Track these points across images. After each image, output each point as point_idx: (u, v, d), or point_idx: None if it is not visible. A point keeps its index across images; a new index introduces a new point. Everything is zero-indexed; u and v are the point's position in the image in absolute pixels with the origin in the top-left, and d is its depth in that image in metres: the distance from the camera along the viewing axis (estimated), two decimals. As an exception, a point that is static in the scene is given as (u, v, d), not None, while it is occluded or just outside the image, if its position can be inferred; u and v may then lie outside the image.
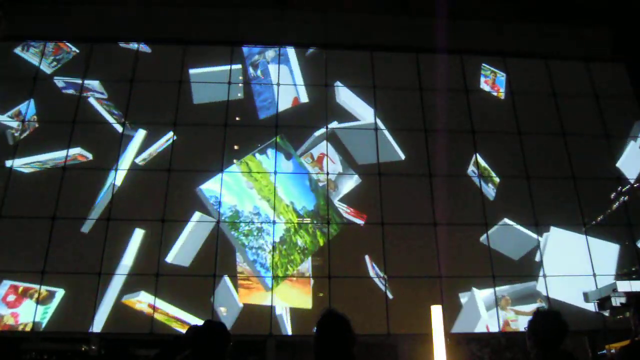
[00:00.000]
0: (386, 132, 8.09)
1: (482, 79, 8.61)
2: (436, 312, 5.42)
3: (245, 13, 8.60)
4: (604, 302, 6.69)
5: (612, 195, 7.85)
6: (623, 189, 7.89)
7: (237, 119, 7.94)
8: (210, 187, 7.72)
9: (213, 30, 8.48)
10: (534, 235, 7.53)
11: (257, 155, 8.01)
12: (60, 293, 6.79)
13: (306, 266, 7.26)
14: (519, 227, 7.57)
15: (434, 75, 8.41)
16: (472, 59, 8.69)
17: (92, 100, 7.96)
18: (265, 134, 7.94)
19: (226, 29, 8.50)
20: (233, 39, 8.45)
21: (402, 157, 7.95)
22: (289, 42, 8.51)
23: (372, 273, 7.15)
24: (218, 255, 7.17)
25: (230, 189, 7.80)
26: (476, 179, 7.81)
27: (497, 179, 7.85)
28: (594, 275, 7.28)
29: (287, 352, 7.05)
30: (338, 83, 8.28)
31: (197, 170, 7.59)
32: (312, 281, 7.14)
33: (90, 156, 7.61)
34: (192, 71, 8.25)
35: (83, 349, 6.73)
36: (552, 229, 7.60)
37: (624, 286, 5.88)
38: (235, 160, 7.81)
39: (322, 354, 2.53)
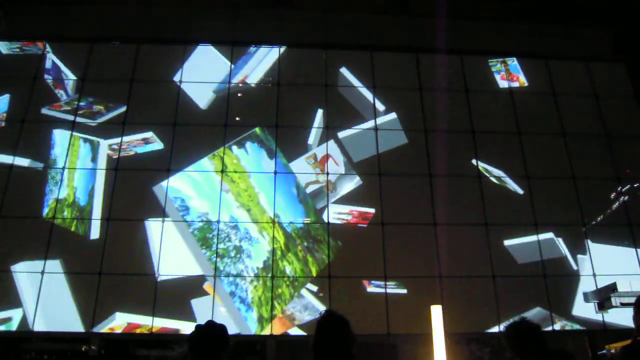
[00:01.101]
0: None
1: (497, 77, 8.60)
2: (436, 312, 5.43)
3: (245, 13, 8.60)
4: (604, 302, 6.72)
5: (612, 195, 7.86)
6: (623, 189, 7.90)
7: (237, 119, 7.91)
8: (174, 186, 6.90)
9: (212, 29, 8.48)
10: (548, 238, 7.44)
11: (234, 148, 7.15)
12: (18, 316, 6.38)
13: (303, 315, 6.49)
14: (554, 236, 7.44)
15: (437, 75, 8.40)
16: (480, 61, 8.68)
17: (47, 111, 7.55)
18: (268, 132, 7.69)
19: (226, 29, 8.50)
20: (232, 39, 8.44)
21: (406, 140, 7.86)
22: (289, 42, 8.51)
23: (370, 288, 6.99)
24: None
25: (200, 191, 6.84)
26: (505, 179, 7.79)
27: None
28: (594, 275, 7.29)
29: (287, 352, 7.06)
30: (340, 80, 8.28)
31: (194, 170, 7.55)
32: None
33: (40, 166, 7.27)
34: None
35: (83, 349, 6.73)
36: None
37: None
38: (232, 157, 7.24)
39: (321, 354, 2.53)
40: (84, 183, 7.29)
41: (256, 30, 8.56)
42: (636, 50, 8.76)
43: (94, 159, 7.45)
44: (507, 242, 7.39)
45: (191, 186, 7.07)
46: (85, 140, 7.54)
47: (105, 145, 7.51)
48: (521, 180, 7.80)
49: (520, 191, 7.71)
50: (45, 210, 7.06)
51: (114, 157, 7.40)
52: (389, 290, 6.97)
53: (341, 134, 7.85)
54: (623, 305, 6.37)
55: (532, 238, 7.43)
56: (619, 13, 8.81)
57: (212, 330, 2.90)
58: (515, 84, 8.55)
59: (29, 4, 8.41)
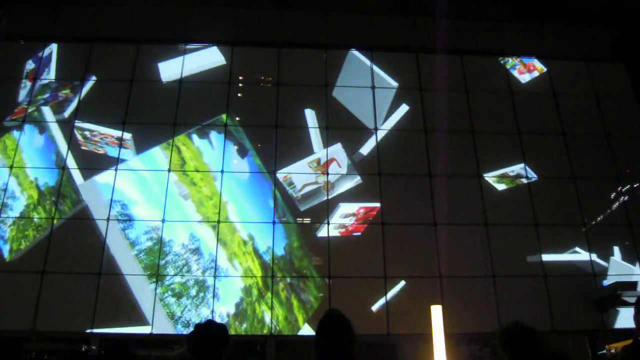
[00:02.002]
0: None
1: (515, 73, 8.60)
2: (436, 312, 5.42)
3: (245, 13, 8.59)
4: (604, 301, 6.71)
5: (613, 195, 7.86)
6: (623, 189, 7.90)
7: (237, 119, 7.87)
8: (110, 181, 5.60)
9: (212, 29, 8.47)
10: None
11: (195, 137, 5.71)
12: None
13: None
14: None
15: (437, 75, 8.40)
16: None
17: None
18: (261, 133, 7.40)
19: (225, 29, 8.49)
20: (232, 39, 8.43)
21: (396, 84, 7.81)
22: (289, 42, 8.50)
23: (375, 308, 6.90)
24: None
25: (148, 194, 5.23)
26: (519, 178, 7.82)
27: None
28: (594, 275, 7.28)
29: (287, 352, 7.04)
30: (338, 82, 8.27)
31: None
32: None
33: None
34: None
35: (83, 349, 6.71)
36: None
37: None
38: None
39: (322, 354, 2.53)
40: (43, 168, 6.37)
41: (256, 30, 8.55)
42: (635, 51, 8.76)
43: (43, 131, 6.70)
44: (546, 258, 7.28)
45: (135, 185, 5.60)
46: (22, 126, 6.81)
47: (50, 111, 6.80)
48: (520, 180, 7.81)
49: (535, 176, 7.67)
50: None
51: (83, 147, 6.67)
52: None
53: (363, 149, 7.69)
54: (623, 305, 6.37)
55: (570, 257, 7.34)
56: (617, 15, 8.81)
57: (211, 330, 2.88)
58: (536, 73, 8.60)
59: (29, 4, 8.40)
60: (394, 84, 8.20)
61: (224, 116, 6.47)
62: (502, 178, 7.76)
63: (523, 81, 8.57)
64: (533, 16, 8.78)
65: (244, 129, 6.69)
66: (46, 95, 7.25)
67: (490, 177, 7.74)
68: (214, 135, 5.71)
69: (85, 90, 7.49)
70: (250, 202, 5.48)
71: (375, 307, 6.75)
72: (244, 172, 7.31)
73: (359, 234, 7.27)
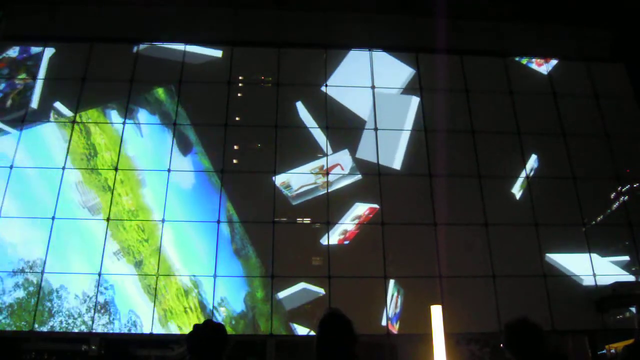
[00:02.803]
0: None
1: (534, 66, 8.69)
2: (436, 312, 5.42)
3: (245, 13, 8.59)
4: (604, 301, 6.72)
5: (612, 195, 7.86)
6: (623, 189, 7.91)
7: (237, 119, 7.88)
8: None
9: (212, 30, 8.47)
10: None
11: (112, 112, 4.24)
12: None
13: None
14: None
15: (436, 75, 8.40)
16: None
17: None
18: (260, 132, 7.48)
19: (225, 29, 8.49)
20: (232, 39, 8.43)
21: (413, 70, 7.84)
22: (288, 42, 8.50)
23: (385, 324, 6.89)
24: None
25: (21, 192, 3.95)
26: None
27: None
28: (594, 275, 7.28)
29: (287, 352, 7.04)
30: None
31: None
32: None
33: None
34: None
35: (83, 349, 6.71)
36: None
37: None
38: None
39: (323, 354, 2.52)
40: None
41: (256, 30, 8.55)
42: (635, 51, 8.76)
43: None
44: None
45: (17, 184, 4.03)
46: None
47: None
48: (520, 180, 7.81)
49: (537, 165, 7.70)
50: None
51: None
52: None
53: (363, 149, 7.61)
54: (622, 305, 6.37)
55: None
56: (617, 15, 8.81)
57: (210, 330, 2.88)
58: (554, 62, 8.69)
59: (29, 4, 8.39)
60: (410, 70, 8.23)
61: (159, 90, 5.04)
62: (525, 180, 7.74)
63: (545, 72, 8.62)
64: (533, 16, 8.77)
65: (188, 111, 5.31)
66: (2, 86, 6.74)
67: (516, 187, 7.73)
68: (143, 115, 3.97)
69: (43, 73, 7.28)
70: (200, 230, 3.93)
71: (383, 322, 6.74)
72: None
73: (348, 242, 7.23)
